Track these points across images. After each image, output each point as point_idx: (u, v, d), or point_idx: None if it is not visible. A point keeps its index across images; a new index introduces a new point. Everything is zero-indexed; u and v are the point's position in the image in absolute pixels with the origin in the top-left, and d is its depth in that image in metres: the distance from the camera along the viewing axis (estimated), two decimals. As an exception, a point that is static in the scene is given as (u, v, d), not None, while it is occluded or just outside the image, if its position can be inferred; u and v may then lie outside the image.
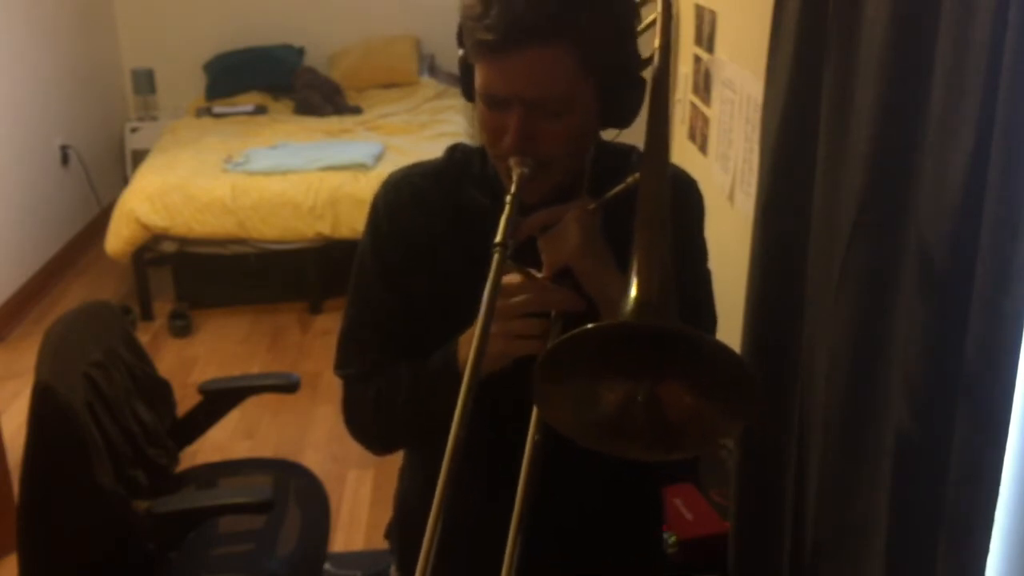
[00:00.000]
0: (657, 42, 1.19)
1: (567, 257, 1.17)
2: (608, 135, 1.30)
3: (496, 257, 1.08)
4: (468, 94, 1.23)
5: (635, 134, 1.21)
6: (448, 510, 0.96)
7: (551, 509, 1.28)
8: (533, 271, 1.18)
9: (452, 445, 0.97)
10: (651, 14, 1.25)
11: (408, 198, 1.34)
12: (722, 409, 0.94)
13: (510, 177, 1.17)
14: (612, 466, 1.16)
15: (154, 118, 5.71)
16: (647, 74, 1.21)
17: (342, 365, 1.39)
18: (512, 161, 1.17)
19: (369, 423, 1.37)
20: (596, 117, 1.21)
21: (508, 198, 1.13)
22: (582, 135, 1.22)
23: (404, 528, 1.52)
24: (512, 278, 1.16)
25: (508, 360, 1.16)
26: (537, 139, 1.16)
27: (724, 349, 0.91)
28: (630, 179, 1.18)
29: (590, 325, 0.92)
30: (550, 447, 1.09)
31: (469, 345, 1.06)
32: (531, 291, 1.16)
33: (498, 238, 1.09)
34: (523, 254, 1.15)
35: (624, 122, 1.23)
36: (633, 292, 0.94)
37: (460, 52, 1.21)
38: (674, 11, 3.34)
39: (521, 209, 1.14)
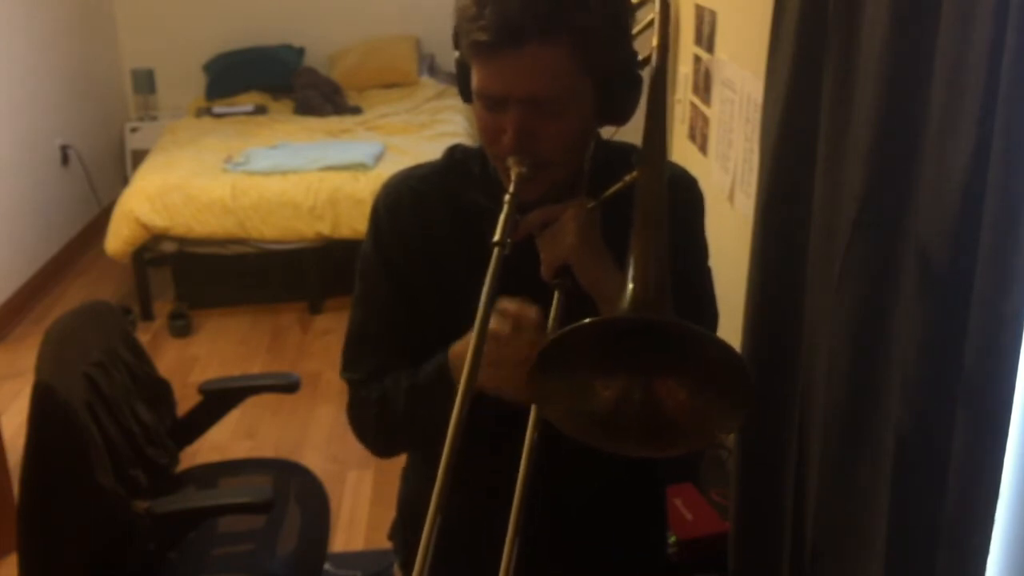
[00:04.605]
0: (655, 42, 1.19)
1: (565, 254, 1.17)
2: (605, 132, 1.31)
3: (495, 255, 1.08)
4: (466, 96, 1.23)
5: (633, 130, 1.21)
6: (448, 509, 0.96)
7: (552, 507, 1.28)
8: (528, 305, 1.15)
9: (449, 447, 0.97)
10: (649, 15, 1.25)
11: (408, 200, 1.35)
12: (718, 403, 0.94)
13: (509, 177, 1.17)
14: (614, 466, 1.16)
15: (154, 118, 5.71)
16: (645, 74, 1.21)
17: (349, 369, 1.39)
18: (510, 160, 1.17)
19: (371, 428, 1.37)
20: (594, 115, 1.21)
21: (506, 197, 1.14)
22: (580, 134, 1.22)
23: (407, 529, 1.52)
24: (502, 326, 1.13)
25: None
26: (535, 138, 1.16)
27: (718, 342, 0.91)
28: (628, 177, 1.18)
29: (587, 320, 0.92)
30: (552, 447, 1.09)
31: (460, 356, 1.06)
32: (522, 334, 1.13)
33: (496, 237, 1.09)
34: (522, 252, 1.15)
35: (622, 119, 1.23)
36: (630, 289, 0.95)
37: (456, 54, 1.21)
38: (672, 12, 3.34)
39: (520, 207, 1.15)
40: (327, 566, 2.60)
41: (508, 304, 1.14)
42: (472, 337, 1.05)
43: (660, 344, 0.94)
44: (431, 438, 0.97)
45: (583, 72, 1.15)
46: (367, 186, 4.24)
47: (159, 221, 4.22)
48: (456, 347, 1.22)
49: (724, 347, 0.91)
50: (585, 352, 0.95)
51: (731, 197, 2.62)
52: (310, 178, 4.33)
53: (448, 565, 1.12)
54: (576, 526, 1.40)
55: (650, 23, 1.24)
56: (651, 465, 1.46)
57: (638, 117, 1.18)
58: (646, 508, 1.51)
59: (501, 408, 1.14)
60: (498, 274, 1.08)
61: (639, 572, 1.49)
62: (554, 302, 1.17)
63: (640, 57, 1.21)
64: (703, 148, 2.99)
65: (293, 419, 3.56)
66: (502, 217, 1.11)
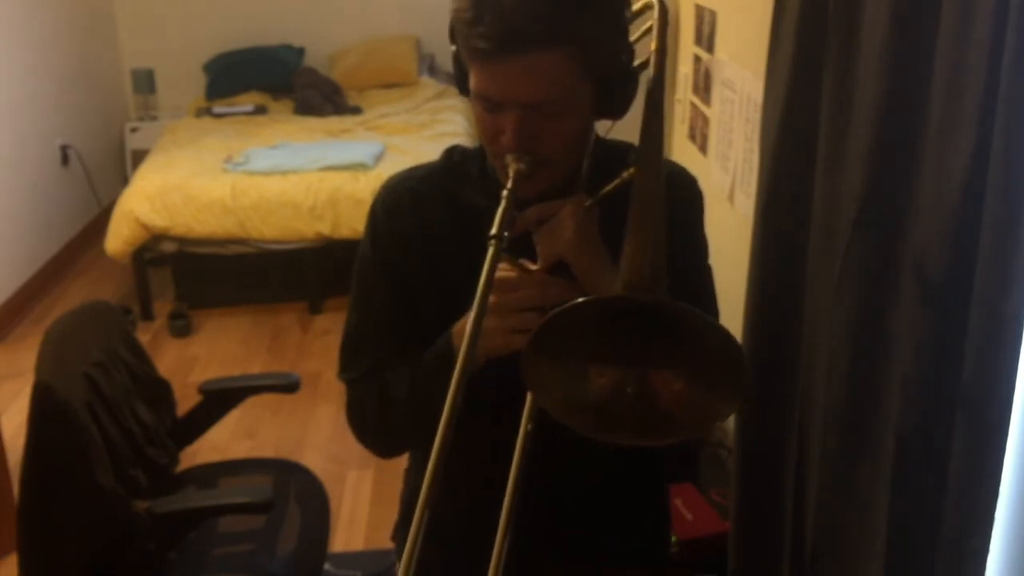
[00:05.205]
0: (653, 45, 1.19)
1: (562, 251, 1.17)
2: (601, 128, 1.31)
3: (491, 249, 1.08)
4: (463, 89, 1.23)
5: (632, 129, 1.21)
6: (444, 503, 0.96)
7: (548, 497, 1.28)
8: (528, 263, 1.18)
9: (443, 431, 0.96)
10: (648, 21, 1.25)
11: (407, 202, 1.35)
12: (713, 390, 0.94)
13: (507, 174, 1.17)
14: (610, 457, 1.17)
15: (154, 118, 5.71)
16: (643, 77, 1.21)
17: (346, 370, 1.39)
18: (509, 157, 1.17)
19: (372, 424, 1.37)
20: (592, 113, 1.22)
21: (504, 193, 1.14)
22: (580, 133, 1.23)
23: (410, 529, 1.52)
24: (509, 273, 1.17)
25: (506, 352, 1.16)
26: (535, 139, 1.16)
27: (713, 325, 0.91)
28: (625, 174, 1.18)
29: (580, 299, 0.92)
30: (547, 436, 1.09)
31: (461, 333, 1.06)
32: (529, 286, 1.16)
33: (493, 230, 1.09)
34: (519, 248, 1.15)
35: (618, 114, 1.23)
36: (624, 272, 0.95)
37: (452, 48, 1.21)
38: (672, 12, 3.35)
39: (518, 204, 1.15)
40: (327, 566, 2.60)
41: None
42: (469, 324, 1.04)
43: (654, 327, 0.94)
44: (432, 426, 0.96)
45: (583, 75, 1.15)
46: (367, 186, 4.24)
47: (159, 221, 4.22)
48: (457, 326, 1.23)
49: (717, 329, 0.91)
50: (580, 334, 0.95)
51: (731, 197, 2.62)
52: (310, 178, 4.33)
53: (443, 554, 1.12)
54: (572, 516, 1.40)
55: (649, 29, 1.24)
56: (650, 457, 1.46)
57: (636, 115, 1.18)
58: (645, 500, 1.51)
59: (503, 381, 1.14)
60: (495, 268, 1.08)
61: (636, 563, 1.48)
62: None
63: (639, 61, 1.21)
64: (703, 148, 2.99)
65: (293, 419, 3.56)
66: (499, 211, 1.11)
